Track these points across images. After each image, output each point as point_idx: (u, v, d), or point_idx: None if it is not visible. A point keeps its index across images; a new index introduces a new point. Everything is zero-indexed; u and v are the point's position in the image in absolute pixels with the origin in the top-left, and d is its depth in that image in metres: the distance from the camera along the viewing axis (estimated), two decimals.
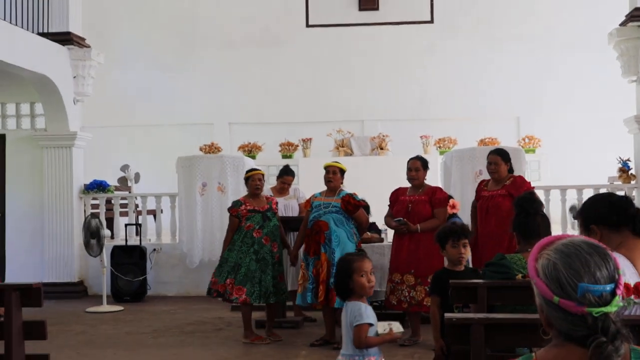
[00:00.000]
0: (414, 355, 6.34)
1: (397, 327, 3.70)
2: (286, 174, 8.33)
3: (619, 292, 1.68)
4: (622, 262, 2.44)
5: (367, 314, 3.70)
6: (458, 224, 4.73)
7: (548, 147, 11.97)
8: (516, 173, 7.32)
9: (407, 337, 6.81)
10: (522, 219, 3.68)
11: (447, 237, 4.49)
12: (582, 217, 2.89)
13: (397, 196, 7.03)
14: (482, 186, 7.08)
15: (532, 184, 7.41)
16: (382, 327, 3.68)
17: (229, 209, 7.28)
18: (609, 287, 1.66)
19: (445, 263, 4.82)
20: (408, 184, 7.09)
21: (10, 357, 3.54)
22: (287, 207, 8.18)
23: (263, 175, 7.40)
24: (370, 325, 3.66)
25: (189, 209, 10.19)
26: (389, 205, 7.10)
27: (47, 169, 10.78)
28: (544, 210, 3.86)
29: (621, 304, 1.68)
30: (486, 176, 9.41)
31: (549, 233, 3.74)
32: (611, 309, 1.65)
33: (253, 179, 7.22)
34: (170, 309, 9.32)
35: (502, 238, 6.48)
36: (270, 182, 10.01)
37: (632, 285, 2.58)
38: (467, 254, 4.45)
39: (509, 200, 6.47)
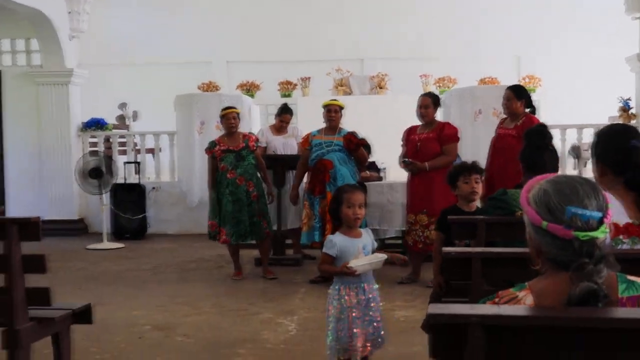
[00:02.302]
0: (413, 292, 6.42)
1: (361, 260, 3.71)
2: (284, 112, 8.26)
3: (606, 221, 1.71)
4: (613, 201, 2.43)
5: (334, 245, 3.77)
6: (467, 162, 4.66)
7: (549, 86, 11.87)
8: None
9: (406, 276, 6.88)
10: (530, 152, 3.65)
11: (458, 174, 4.41)
12: (596, 150, 2.77)
13: (408, 135, 6.94)
14: (500, 123, 6.83)
15: None
16: (358, 260, 3.73)
17: (205, 150, 7.25)
18: (596, 214, 1.71)
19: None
20: (415, 123, 6.98)
21: (12, 289, 3.57)
22: (286, 145, 8.13)
23: (238, 113, 7.28)
24: (331, 257, 3.76)
25: (187, 148, 10.18)
26: (402, 146, 7.02)
27: (44, 106, 10.73)
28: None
29: (607, 230, 1.71)
30: (486, 116, 9.42)
31: (556, 168, 3.72)
32: (598, 234, 1.70)
33: (227, 117, 7.13)
34: (171, 246, 9.40)
35: (510, 177, 6.29)
36: (269, 121, 9.96)
37: (621, 225, 2.58)
38: (480, 190, 4.36)
39: (518, 141, 6.33)
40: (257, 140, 7.31)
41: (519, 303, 1.75)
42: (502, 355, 1.64)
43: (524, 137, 3.75)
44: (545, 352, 1.63)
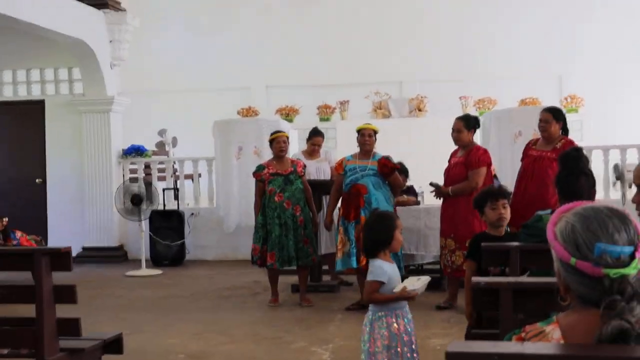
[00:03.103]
0: (450, 320, 6.26)
1: (413, 283, 3.66)
2: (315, 134, 8.20)
3: (638, 255, 1.61)
4: None
5: (385, 272, 3.72)
6: (495, 185, 4.55)
7: (591, 106, 11.62)
8: None
9: (444, 301, 6.74)
10: (565, 177, 3.53)
11: (485, 199, 4.30)
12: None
13: (450, 158, 6.88)
14: (530, 145, 6.62)
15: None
16: (409, 282, 3.69)
17: (253, 174, 7.24)
18: (627, 249, 1.61)
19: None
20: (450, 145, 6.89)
21: (42, 320, 3.57)
22: (319, 170, 8.06)
23: (287, 137, 7.30)
24: (382, 283, 3.70)
25: (225, 173, 10.20)
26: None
27: (85, 134, 10.89)
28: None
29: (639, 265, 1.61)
30: (526, 137, 9.22)
31: (592, 194, 3.58)
32: (629, 270, 1.60)
33: (277, 141, 7.14)
34: (208, 273, 9.40)
35: (545, 201, 6.14)
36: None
37: None
38: (508, 215, 4.24)
39: (557, 164, 6.17)
40: (304, 166, 7.29)
41: (546, 338, 1.66)
42: None
43: (559, 161, 3.63)
44: None
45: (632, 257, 1.60)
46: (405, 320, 3.72)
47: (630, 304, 1.57)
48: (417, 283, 3.67)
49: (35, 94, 11.40)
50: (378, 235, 3.83)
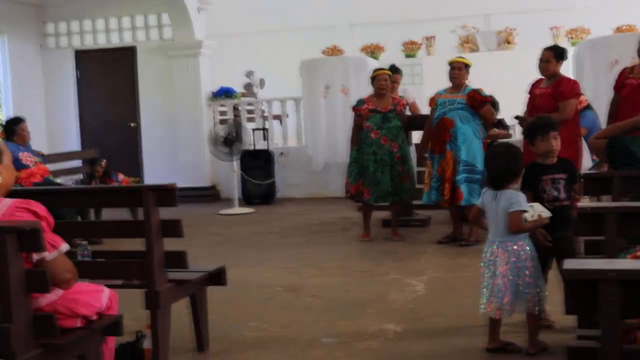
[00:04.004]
0: None
1: (543, 211, 3.74)
2: (394, 72, 8.11)
3: None
4: None
5: (523, 201, 3.77)
6: (542, 117, 4.41)
7: None
8: None
9: None
10: None
11: (535, 132, 4.24)
12: None
13: (532, 88, 6.66)
14: (625, 73, 6.27)
15: None
16: (537, 210, 3.76)
17: (353, 108, 7.29)
18: None
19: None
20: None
21: (152, 253, 3.75)
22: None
23: (390, 75, 7.28)
24: (525, 212, 3.74)
25: (313, 112, 10.28)
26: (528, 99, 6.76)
27: (176, 78, 11.15)
28: None
29: None
30: (624, 65, 8.84)
31: None
32: None
33: (379, 78, 7.13)
34: (298, 210, 9.59)
35: None
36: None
37: None
38: (558, 147, 4.19)
39: None
40: (406, 105, 7.27)
41: None
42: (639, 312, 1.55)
43: None
44: None
45: None
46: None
47: None
48: (542, 208, 3.75)
49: (127, 40, 11.70)
50: (508, 166, 3.82)
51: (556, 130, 4.16)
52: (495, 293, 3.75)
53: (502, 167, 3.82)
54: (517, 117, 6.55)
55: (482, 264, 3.86)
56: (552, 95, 6.31)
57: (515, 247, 3.77)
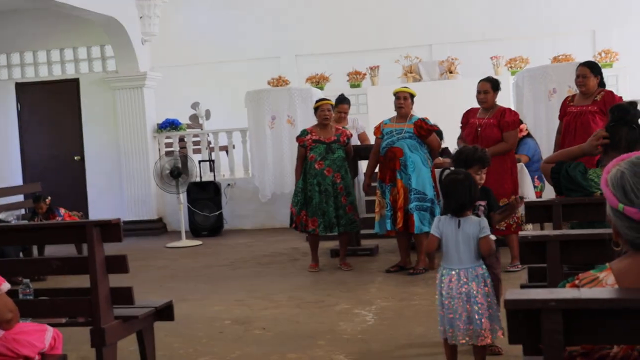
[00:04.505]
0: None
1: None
2: (341, 102, 8.18)
3: None
4: None
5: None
6: (479, 150, 4.56)
7: (626, 60, 11.43)
8: None
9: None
10: (608, 127, 3.53)
11: (472, 163, 4.35)
12: None
13: (467, 118, 6.83)
14: (567, 102, 6.59)
15: None
16: None
17: (297, 138, 7.32)
18: None
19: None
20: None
21: (97, 289, 3.68)
22: None
23: (332, 105, 7.35)
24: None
25: (259, 143, 10.28)
26: (460, 127, 6.93)
27: (120, 110, 11.04)
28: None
29: None
30: (561, 95, 9.13)
31: (633, 148, 3.56)
32: None
33: (322, 109, 7.19)
34: (247, 241, 9.54)
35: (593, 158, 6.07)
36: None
37: None
38: (483, 180, 4.37)
39: (601, 117, 6.15)
40: (349, 136, 7.32)
41: (600, 284, 1.71)
42: (580, 340, 1.59)
43: (609, 112, 3.61)
44: (626, 336, 1.57)
45: None
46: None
47: None
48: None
49: (70, 72, 11.57)
50: (465, 196, 3.87)
51: (485, 167, 4.37)
52: (454, 319, 3.79)
53: (466, 193, 3.86)
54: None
55: (440, 292, 3.87)
56: (497, 125, 6.48)
57: (480, 270, 3.84)
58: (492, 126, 6.52)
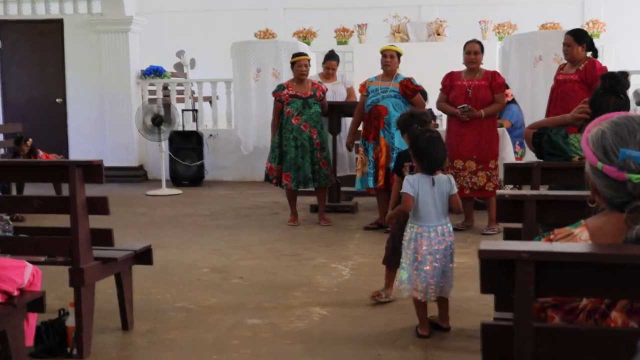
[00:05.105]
0: (467, 239, 6.41)
1: None
2: (330, 58, 8.15)
3: None
4: None
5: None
6: (418, 110, 4.75)
7: (613, 31, 11.46)
8: None
9: (461, 222, 6.89)
10: (596, 95, 3.59)
11: (411, 122, 4.56)
12: None
13: (451, 81, 6.86)
14: (559, 69, 6.66)
15: None
16: None
17: (273, 93, 7.30)
18: None
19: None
20: (461, 69, 6.92)
21: (76, 230, 3.70)
22: (335, 92, 8.07)
23: (309, 60, 7.32)
24: None
25: (243, 95, 10.24)
26: (441, 90, 6.96)
27: (104, 54, 10.90)
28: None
29: None
30: (547, 62, 9.18)
31: None
32: None
33: (299, 64, 7.16)
34: (227, 193, 9.57)
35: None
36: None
37: None
38: None
39: (580, 86, 6.20)
40: (325, 91, 7.32)
41: (574, 239, 1.76)
42: (551, 292, 1.65)
43: (600, 78, 3.65)
44: (595, 289, 1.63)
45: None
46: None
47: None
48: None
49: (54, 12, 11.36)
50: (444, 151, 4.00)
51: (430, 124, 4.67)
52: (429, 276, 3.87)
53: (442, 152, 3.95)
54: (463, 107, 6.67)
55: (411, 248, 3.95)
56: (489, 87, 6.63)
57: (450, 227, 3.98)
58: (485, 87, 6.69)
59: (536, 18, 10.82)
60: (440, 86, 7.02)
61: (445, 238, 3.93)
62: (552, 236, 1.79)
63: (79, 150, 11.13)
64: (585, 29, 10.75)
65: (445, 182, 3.98)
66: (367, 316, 4.37)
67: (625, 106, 3.59)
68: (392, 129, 6.66)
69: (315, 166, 7.10)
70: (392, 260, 4.37)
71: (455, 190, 3.99)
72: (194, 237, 6.78)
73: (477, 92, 6.67)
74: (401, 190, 4.02)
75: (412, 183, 3.96)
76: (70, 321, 3.76)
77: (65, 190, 3.81)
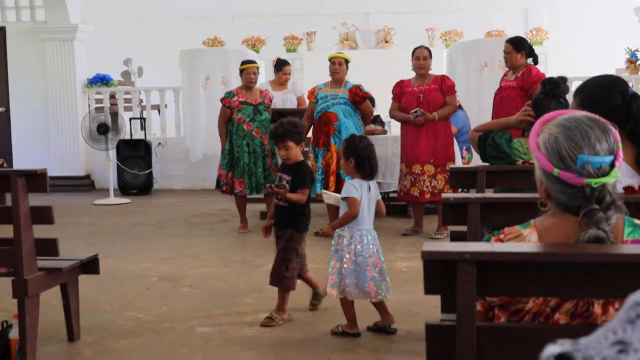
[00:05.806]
0: (415, 244, 6.48)
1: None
2: (285, 64, 8.21)
3: (617, 164, 1.71)
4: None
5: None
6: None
7: (556, 39, 11.76)
8: None
9: (410, 227, 6.96)
10: (537, 99, 3.68)
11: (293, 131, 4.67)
12: (580, 97, 2.84)
13: (402, 88, 6.95)
14: (503, 76, 6.81)
15: None
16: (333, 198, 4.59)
17: (222, 99, 7.30)
18: (608, 159, 1.69)
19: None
20: (410, 76, 7.01)
21: (20, 240, 3.63)
22: (286, 100, 8.13)
23: (258, 68, 7.35)
24: None
25: (192, 103, 10.18)
26: (392, 99, 7.03)
27: (49, 63, 10.70)
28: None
29: (619, 174, 1.71)
30: (492, 69, 9.36)
31: None
32: (609, 179, 1.69)
33: (247, 72, 7.19)
34: (176, 201, 9.48)
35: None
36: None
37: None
38: (286, 156, 4.61)
39: (518, 93, 6.33)
40: (272, 99, 7.39)
41: (523, 240, 1.76)
42: (494, 292, 1.68)
43: (540, 83, 3.75)
44: (537, 289, 1.67)
45: (612, 166, 1.70)
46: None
47: (607, 213, 1.67)
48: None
49: None
50: (375, 161, 4.17)
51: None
52: (358, 277, 4.01)
53: (376, 158, 4.11)
54: (416, 111, 6.73)
55: (348, 252, 4.02)
56: (440, 90, 6.75)
57: (374, 232, 4.14)
58: (435, 91, 6.79)
59: (481, 25, 11.04)
60: (388, 93, 7.10)
61: (375, 242, 4.10)
62: (502, 235, 1.81)
63: (23, 159, 10.88)
64: (528, 36, 11.05)
65: (376, 187, 4.16)
66: (317, 321, 4.39)
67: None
68: (342, 136, 6.70)
69: (266, 172, 7.14)
70: (290, 282, 4.38)
71: (379, 195, 4.18)
72: (143, 246, 6.70)
73: (429, 96, 6.76)
74: (347, 195, 4.06)
75: (358, 187, 4.03)
76: (14, 333, 3.68)
77: (9, 200, 3.73)
